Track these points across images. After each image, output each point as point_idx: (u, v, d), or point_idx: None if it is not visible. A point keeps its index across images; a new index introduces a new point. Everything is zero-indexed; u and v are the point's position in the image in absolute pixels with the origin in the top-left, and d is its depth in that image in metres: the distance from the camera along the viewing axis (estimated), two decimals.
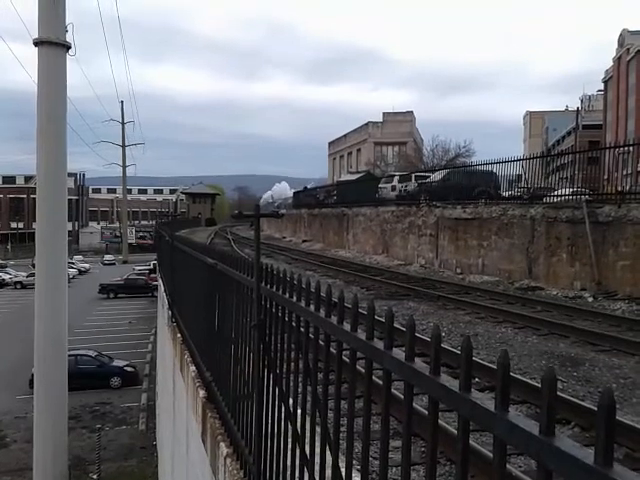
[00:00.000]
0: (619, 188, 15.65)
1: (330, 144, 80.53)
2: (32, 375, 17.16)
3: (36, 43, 14.22)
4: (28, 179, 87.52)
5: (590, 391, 6.24)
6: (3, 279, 55.83)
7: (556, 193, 17.72)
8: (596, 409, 0.94)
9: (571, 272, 14.43)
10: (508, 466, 3.72)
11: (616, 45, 58.82)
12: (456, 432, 1.34)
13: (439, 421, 1.47)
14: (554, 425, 1.02)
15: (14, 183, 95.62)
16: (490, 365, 6.48)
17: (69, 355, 16.86)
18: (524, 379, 6.22)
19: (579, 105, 63.85)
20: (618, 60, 57.62)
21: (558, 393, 1.14)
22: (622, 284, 13.07)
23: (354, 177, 43.95)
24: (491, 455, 1.20)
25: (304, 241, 37.75)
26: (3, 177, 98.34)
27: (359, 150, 67.42)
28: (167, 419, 11.95)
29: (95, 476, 17.34)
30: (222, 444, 3.83)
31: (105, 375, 25.11)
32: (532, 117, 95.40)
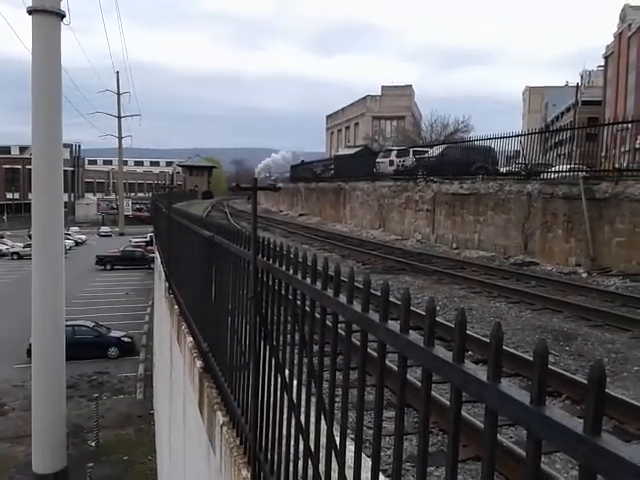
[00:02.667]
0: (616, 165, 15.63)
1: (328, 117, 79.82)
2: (30, 344, 17.29)
3: (30, 11, 13.96)
4: (23, 149, 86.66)
5: (582, 365, 6.33)
6: (0, 250, 55.81)
7: (554, 169, 17.69)
8: (587, 382, 0.96)
9: (566, 248, 14.50)
10: (499, 436, 3.79)
11: (618, 20, 57.98)
12: (448, 403, 1.37)
13: (432, 392, 1.50)
14: (545, 395, 1.04)
15: (9, 153, 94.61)
16: (483, 339, 6.55)
17: (67, 325, 16.96)
18: (517, 352, 6.30)
19: (579, 81, 63.28)
20: (619, 36, 56.83)
21: (550, 366, 1.16)
22: (617, 260, 13.15)
23: (352, 151, 43.73)
24: (482, 425, 1.23)
25: (301, 215, 37.72)
26: None
27: (357, 124, 66.90)
28: (164, 388, 12.09)
29: (93, 443, 17.62)
30: (219, 413, 3.88)
31: (102, 345, 25.29)
32: (531, 92, 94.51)
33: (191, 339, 5.80)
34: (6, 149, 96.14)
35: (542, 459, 1.07)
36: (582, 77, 68.64)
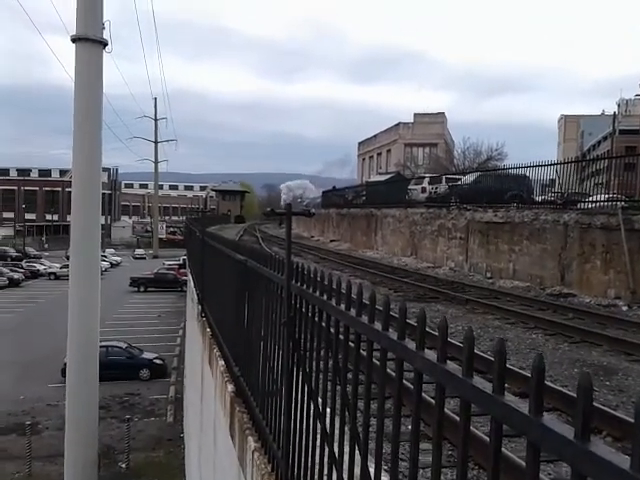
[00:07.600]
0: None
1: (360, 144, 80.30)
2: (64, 364, 17.57)
3: (74, 40, 14.53)
4: (63, 173, 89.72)
5: (623, 401, 6.11)
6: (38, 270, 57.23)
7: (591, 199, 17.36)
8: (630, 418, 0.93)
9: (605, 280, 14.12)
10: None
11: None
12: (485, 437, 1.34)
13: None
14: (589, 430, 1.02)
15: (50, 176, 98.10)
16: (520, 371, 6.40)
17: (100, 346, 17.20)
18: (555, 386, 6.13)
19: (616, 109, 62.26)
20: None
21: None
22: None
23: (383, 178, 43.72)
24: (521, 461, 1.20)
25: (332, 241, 37.75)
26: (39, 170, 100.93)
27: (389, 151, 67.08)
28: (194, 412, 12.11)
29: (124, 465, 17.69)
30: (250, 438, 3.87)
31: (135, 367, 25.55)
32: (567, 121, 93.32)
33: (223, 362, 5.82)
34: (47, 172, 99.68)
35: None
36: (619, 105, 67.53)
